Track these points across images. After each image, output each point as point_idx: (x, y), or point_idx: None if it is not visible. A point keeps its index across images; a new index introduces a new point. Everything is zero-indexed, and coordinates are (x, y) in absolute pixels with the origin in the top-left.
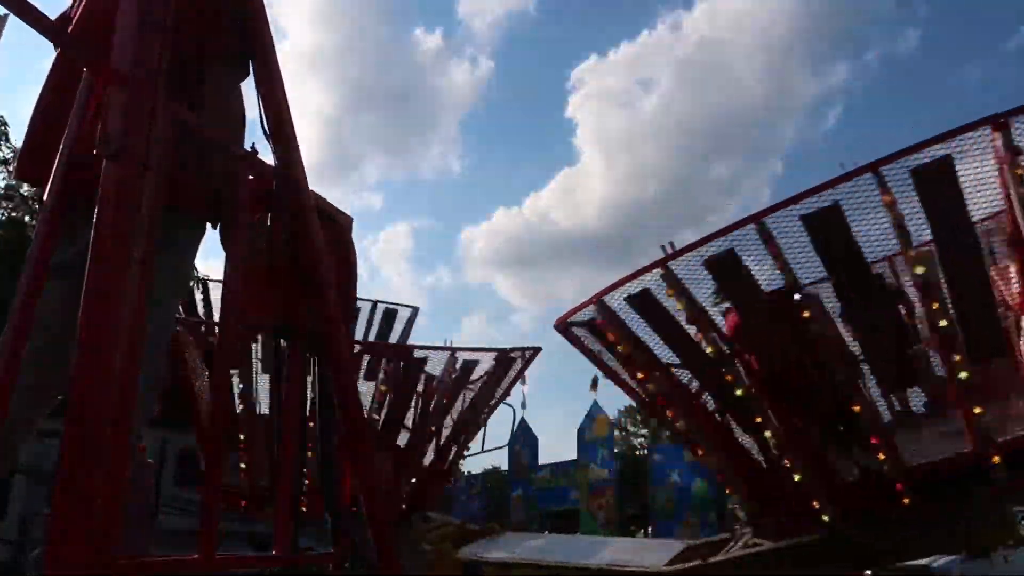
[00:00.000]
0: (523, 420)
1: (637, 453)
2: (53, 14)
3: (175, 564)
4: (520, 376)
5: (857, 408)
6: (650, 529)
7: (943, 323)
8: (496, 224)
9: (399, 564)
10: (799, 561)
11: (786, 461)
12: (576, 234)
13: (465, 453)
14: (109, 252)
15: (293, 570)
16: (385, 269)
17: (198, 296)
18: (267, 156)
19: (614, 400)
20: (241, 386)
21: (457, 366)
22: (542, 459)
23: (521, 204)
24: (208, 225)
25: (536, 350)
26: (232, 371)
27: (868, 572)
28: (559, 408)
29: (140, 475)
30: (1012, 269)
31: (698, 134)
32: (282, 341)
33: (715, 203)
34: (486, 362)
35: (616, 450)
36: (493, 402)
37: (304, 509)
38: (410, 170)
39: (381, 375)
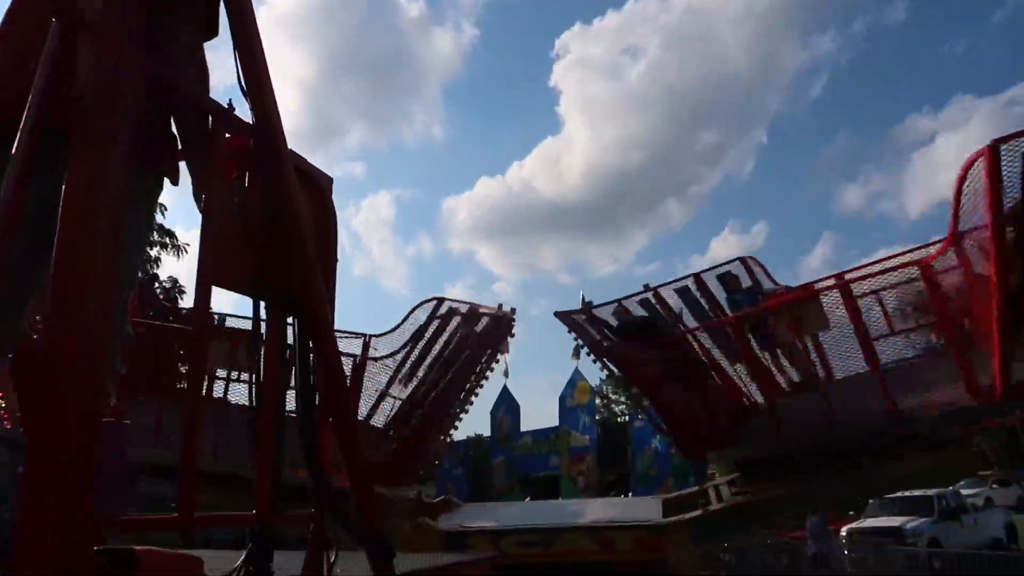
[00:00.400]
0: (505, 388)
1: (618, 420)
2: None
3: (155, 523)
4: (500, 344)
5: None
6: (630, 494)
7: None
8: (478, 193)
9: (381, 528)
10: (774, 509)
11: None
12: (559, 203)
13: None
14: (81, 206)
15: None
16: (367, 238)
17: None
18: (244, 114)
19: (595, 368)
20: None
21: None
22: (524, 426)
23: (504, 173)
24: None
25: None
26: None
27: (844, 531)
28: (542, 376)
29: (114, 436)
30: None
31: (683, 104)
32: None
33: (699, 173)
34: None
35: (597, 417)
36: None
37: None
38: (392, 138)
39: None
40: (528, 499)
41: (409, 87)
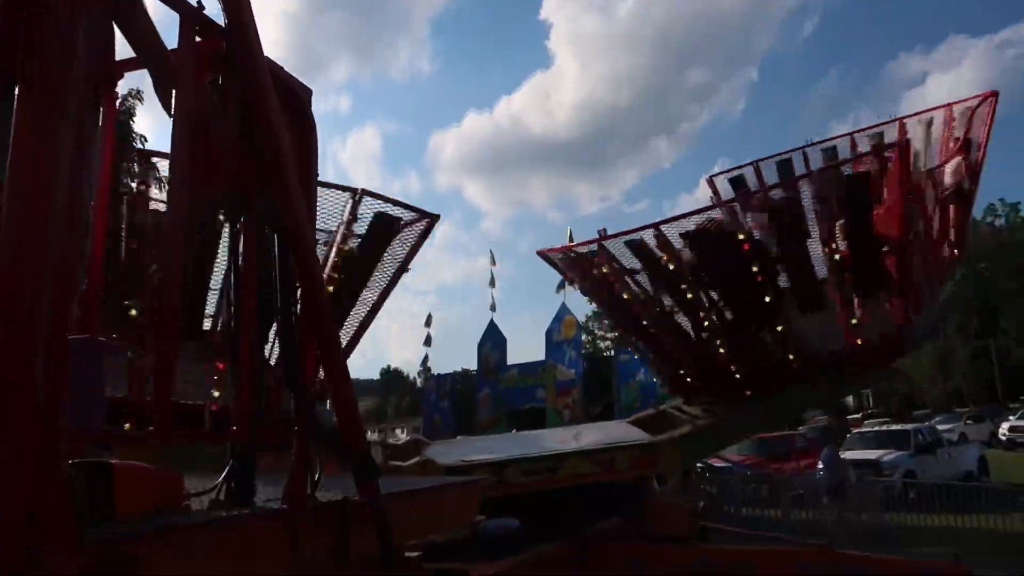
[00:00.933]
0: (492, 322)
1: (604, 354)
2: None
3: (130, 437)
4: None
5: None
6: None
7: None
8: (466, 129)
9: (366, 444)
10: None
11: None
12: (548, 140)
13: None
14: (43, 104)
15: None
16: (353, 173)
17: None
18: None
19: (582, 303)
20: None
21: None
22: (511, 360)
23: (492, 108)
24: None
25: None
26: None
27: (820, 465)
28: (529, 311)
29: (91, 351)
30: None
31: (674, 40)
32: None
33: (689, 111)
34: None
35: (583, 351)
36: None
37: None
38: (379, 72)
39: None
40: (514, 432)
41: (395, 18)
